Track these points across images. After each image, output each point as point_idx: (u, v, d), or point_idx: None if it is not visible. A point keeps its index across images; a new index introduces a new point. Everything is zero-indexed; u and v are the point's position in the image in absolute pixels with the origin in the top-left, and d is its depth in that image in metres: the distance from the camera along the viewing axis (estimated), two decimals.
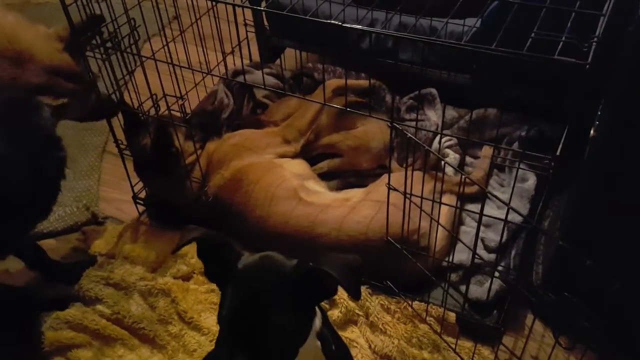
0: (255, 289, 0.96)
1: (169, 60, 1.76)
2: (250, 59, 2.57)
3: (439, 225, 1.63)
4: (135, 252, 1.95)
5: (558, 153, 1.22)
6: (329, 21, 1.27)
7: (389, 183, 1.51)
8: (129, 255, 1.94)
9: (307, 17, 1.30)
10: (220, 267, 1.03)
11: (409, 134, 1.35)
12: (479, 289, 1.72)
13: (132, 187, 2.07)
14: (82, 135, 2.48)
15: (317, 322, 1.07)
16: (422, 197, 1.49)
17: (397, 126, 1.36)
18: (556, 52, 1.12)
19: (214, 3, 1.65)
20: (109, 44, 1.74)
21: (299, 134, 2.05)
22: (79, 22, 1.68)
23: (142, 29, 1.76)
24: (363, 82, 2.24)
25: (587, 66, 1.10)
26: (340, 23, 1.26)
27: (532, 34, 1.19)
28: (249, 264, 1.01)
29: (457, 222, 1.84)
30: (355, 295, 0.96)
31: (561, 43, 1.14)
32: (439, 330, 1.65)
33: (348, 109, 1.45)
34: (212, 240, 1.06)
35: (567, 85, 1.32)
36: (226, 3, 1.45)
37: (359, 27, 1.25)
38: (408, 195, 1.50)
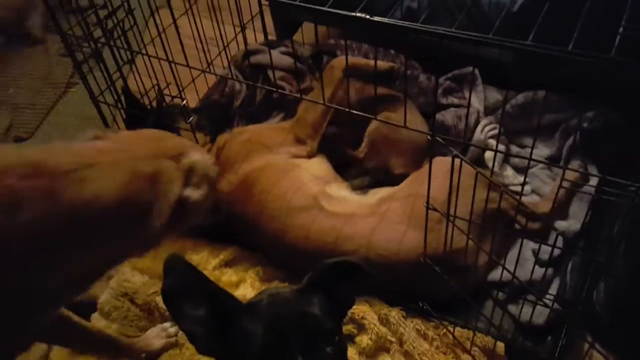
0: (281, 303, 0.86)
1: (168, 47, 1.51)
2: (265, 35, 2.29)
3: (486, 250, 1.38)
4: (144, 262, 1.77)
5: None
6: (354, 14, 1.00)
7: (427, 202, 1.27)
8: (137, 266, 1.76)
9: (327, 9, 1.03)
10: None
11: (455, 151, 1.09)
12: (530, 311, 1.49)
13: None
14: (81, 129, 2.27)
15: None
16: (469, 220, 1.24)
17: (440, 140, 1.10)
18: None
19: None
20: (98, 33, 1.50)
21: (311, 130, 1.73)
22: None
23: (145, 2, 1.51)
24: (382, 64, 1.88)
25: None
26: (368, 16, 0.99)
27: (620, 29, 0.90)
28: (256, 299, 0.89)
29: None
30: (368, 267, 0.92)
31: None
32: None
33: (377, 119, 1.20)
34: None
35: None
36: None
37: (391, 21, 0.98)
38: (451, 218, 1.26)
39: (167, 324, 1.59)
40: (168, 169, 1.06)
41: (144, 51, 1.54)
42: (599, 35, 0.95)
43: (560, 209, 1.66)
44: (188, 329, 0.84)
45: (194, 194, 1.11)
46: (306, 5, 1.07)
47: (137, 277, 1.70)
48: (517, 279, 1.25)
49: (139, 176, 1.02)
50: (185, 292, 0.83)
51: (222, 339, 0.84)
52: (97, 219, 0.98)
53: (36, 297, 0.99)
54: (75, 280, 1.05)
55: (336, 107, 1.48)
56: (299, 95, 1.50)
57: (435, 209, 1.27)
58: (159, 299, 1.63)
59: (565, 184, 1.55)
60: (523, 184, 1.29)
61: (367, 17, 1.00)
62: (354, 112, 1.24)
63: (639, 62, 0.81)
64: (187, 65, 1.42)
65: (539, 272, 1.52)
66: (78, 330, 1.32)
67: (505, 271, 1.48)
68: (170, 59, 1.47)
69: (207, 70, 1.48)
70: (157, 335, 1.55)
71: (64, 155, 1.00)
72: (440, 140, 1.10)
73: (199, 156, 1.17)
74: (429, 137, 1.11)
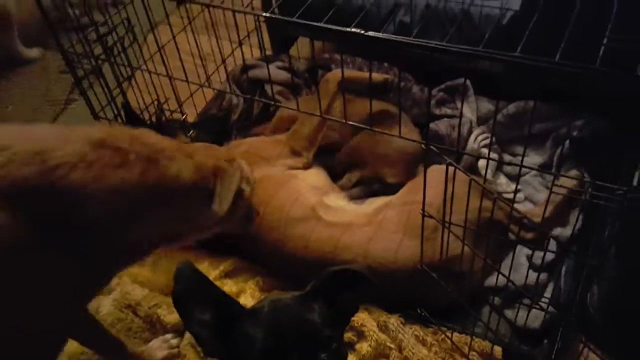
0: (281, 309, 0.90)
1: (167, 63, 1.55)
2: (262, 49, 2.33)
3: (481, 255, 1.40)
4: (144, 275, 1.79)
5: (636, 183, 0.99)
6: (349, 30, 1.05)
7: (423, 209, 1.30)
8: (137, 279, 1.78)
9: (323, 25, 1.07)
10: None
11: (449, 160, 1.13)
12: (526, 316, 1.52)
13: None
14: None
15: None
16: (464, 227, 1.27)
17: (434, 148, 1.14)
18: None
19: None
20: (98, 50, 1.54)
21: (307, 143, 1.79)
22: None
23: (145, 18, 1.56)
24: (376, 76, 1.91)
25: None
26: (362, 32, 1.03)
27: (605, 40, 0.95)
28: (259, 305, 0.93)
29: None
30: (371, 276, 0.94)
31: None
32: None
33: (372, 128, 1.23)
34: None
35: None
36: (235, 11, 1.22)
37: (385, 35, 1.02)
38: (447, 224, 1.29)
39: (168, 336, 1.61)
40: (227, 166, 1.22)
41: (143, 67, 1.58)
42: (586, 46, 1.00)
43: (560, 216, 1.69)
44: (195, 331, 0.88)
45: (247, 188, 1.30)
46: (303, 22, 1.10)
47: (137, 290, 1.72)
48: (512, 282, 1.28)
49: (204, 168, 1.19)
50: (194, 297, 0.87)
51: (227, 341, 0.88)
52: (176, 193, 1.14)
53: (109, 254, 1.11)
54: (141, 246, 1.19)
55: (332, 118, 1.52)
56: (295, 108, 1.54)
57: (430, 216, 1.30)
58: (160, 311, 1.65)
59: (562, 191, 1.59)
60: (515, 191, 1.32)
61: (362, 32, 1.04)
62: (350, 122, 1.28)
63: (621, 72, 0.85)
64: (186, 81, 1.45)
65: (534, 276, 1.56)
66: (98, 327, 1.40)
67: (500, 277, 1.52)
68: (170, 74, 1.50)
69: (206, 84, 1.52)
70: (159, 347, 1.57)
71: (156, 136, 1.18)
72: (434, 148, 1.14)
73: (243, 162, 1.35)
74: (423, 146, 1.14)
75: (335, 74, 1.83)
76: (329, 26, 1.08)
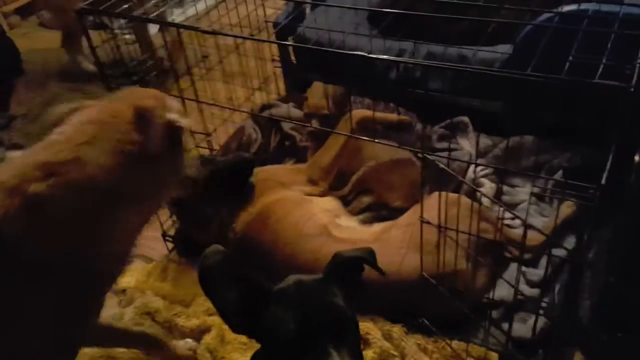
0: (308, 292, 0.95)
1: (197, 99, 1.77)
2: (278, 94, 2.56)
3: (478, 261, 1.54)
4: (165, 289, 1.93)
5: (603, 182, 1.14)
6: (356, 52, 1.24)
7: (421, 216, 1.45)
8: (159, 293, 1.91)
9: (334, 50, 1.27)
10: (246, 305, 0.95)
11: (442, 165, 1.29)
12: (522, 327, 1.62)
13: (161, 224, 2.06)
14: None
15: None
16: (457, 230, 1.42)
17: (429, 157, 1.30)
18: (597, 76, 1.06)
19: (241, 40, 1.65)
20: (135, 78, 1.76)
21: (323, 173, 1.99)
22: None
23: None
24: (391, 116, 2.17)
25: (632, 89, 1.03)
26: (367, 54, 1.23)
27: (570, 57, 1.13)
28: (284, 286, 0.97)
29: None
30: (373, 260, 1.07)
31: (601, 67, 1.08)
32: None
33: (376, 141, 1.41)
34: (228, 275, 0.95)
35: (608, 109, 1.25)
36: (252, 39, 1.44)
37: (385, 57, 1.21)
38: (442, 229, 1.43)
39: (189, 340, 1.72)
40: (150, 105, 1.17)
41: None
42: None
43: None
44: (220, 308, 0.95)
45: (180, 119, 1.22)
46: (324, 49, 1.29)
47: (159, 301, 1.85)
48: (519, 291, 1.38)
49: (123, 139, 1.13)
50: (220, 275, 0.93)
51: (253, 320, 0.95)
52: (109, 184, 1.11)
53: (82, 278, 1.14)
54: (119, 244, 1.21)
55: (358, 135, 1.69)
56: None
57: (428, 222, 1.44)
58: (179, 320, 1.78)
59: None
60: (500, 193, 1.46)
61: (366, 54, 1.23)
62: (357, 136, 1.45)
63: (580, 80, 1.02)
64: (217, 105, 1.65)
65: (528, 290, 1.68)
66: (116, 331, 1.50)
67: (496, 291, 1.64)
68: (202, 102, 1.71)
69: (234, 108, 1.72)
70: (182, 346, 1.69)
71: (63, 148, 1.11)
72: (429, 156, 1.30)
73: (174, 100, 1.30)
74: (419, 155, 1.31)
75: (355, 114, 2.02)
76: (341, 51, 1.27)
